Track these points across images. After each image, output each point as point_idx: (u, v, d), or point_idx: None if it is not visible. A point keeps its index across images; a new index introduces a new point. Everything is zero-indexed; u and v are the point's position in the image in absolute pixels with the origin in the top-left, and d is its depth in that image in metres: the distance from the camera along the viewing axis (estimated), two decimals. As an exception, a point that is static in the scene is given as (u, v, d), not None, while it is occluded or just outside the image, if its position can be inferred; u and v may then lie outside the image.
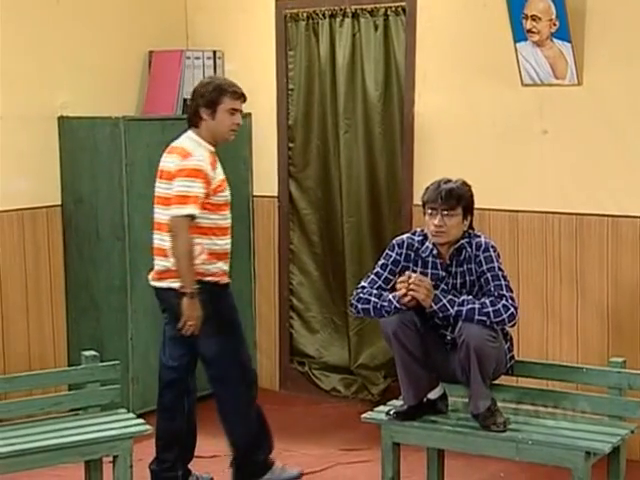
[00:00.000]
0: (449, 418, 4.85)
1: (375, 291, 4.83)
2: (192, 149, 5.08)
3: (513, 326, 4.81)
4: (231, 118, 5.15)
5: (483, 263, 4.76)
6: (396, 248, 4.91)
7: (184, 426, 5.28)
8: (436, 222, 4.72)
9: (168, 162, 5.14)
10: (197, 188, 4.97)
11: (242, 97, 5.21)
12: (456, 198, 4.73)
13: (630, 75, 5.51)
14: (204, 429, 6.26)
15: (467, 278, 4.80)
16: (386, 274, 4.87)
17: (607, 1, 5.52)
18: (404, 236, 4.97)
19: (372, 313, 4.82)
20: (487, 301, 4.68)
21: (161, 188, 5.15)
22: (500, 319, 4.66)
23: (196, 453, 5.79)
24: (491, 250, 4.79)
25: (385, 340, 4.86)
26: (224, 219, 5.17)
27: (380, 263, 4.93)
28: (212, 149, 5.13)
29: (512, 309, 4.69)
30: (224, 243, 5.18)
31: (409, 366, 4.79)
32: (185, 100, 6.62)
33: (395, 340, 4.73)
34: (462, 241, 4.80)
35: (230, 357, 5.21)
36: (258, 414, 5.34)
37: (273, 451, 5.39)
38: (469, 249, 4.80)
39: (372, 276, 4.90)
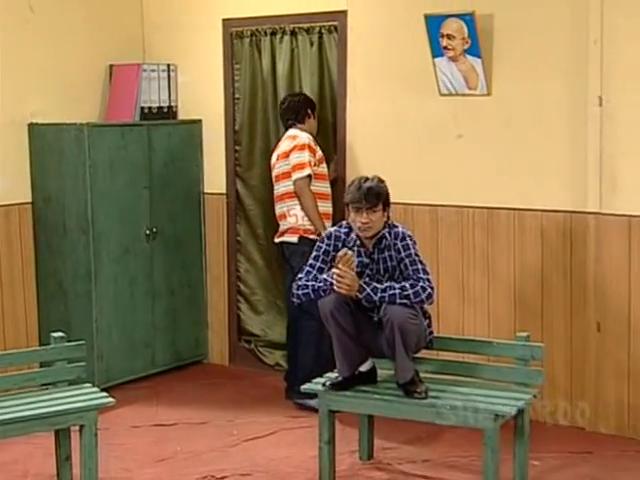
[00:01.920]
0: (378, 388, 4.89)
1: (311, 277, 4.85)
2: (298, 134, 5.98)
3: (431, 304, 4.84)
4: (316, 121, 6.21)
5: (401, 250, 4.80)
6: (325, 240, 4.94)
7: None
8: (363, 220, 4.75)
9: (282, 146, 6.05)
10: (307, 156, 5.86)
11: None
12: (376, 196, 4.76)
13: (531, 87, 5.56)
14: (165, 399, 6.32)
15: (388, 264, 4.83)
16: (319, 264, 4.89)
17: (511, 23, 5.57)
18: (332, 229, 5.00)
19: (312, 295, 4.82)
20: (407, 284, 4.71)
21: (281, 167, 6.01)
22: (419, 299, 4.70)
23: (157, 422, 5.86)
24: (407, 239, 4.83)
25: (323, 319, 4.87)
26: (325, 187, 6.01)
27: (313, 255, 4.94)
28: (312, 137, 6.02)
29: (429, 289, 4.73)
30: (325, 206, 6.00)
31: (344, 342, 4.82)
32: (142, 108, 6.63)
33: (332, 319, 4.76)
34: (383, 231, 4.84)
35: None
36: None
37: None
38: (388, 238, 4.83)
39: (307, 268, 4.91)
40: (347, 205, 4.84)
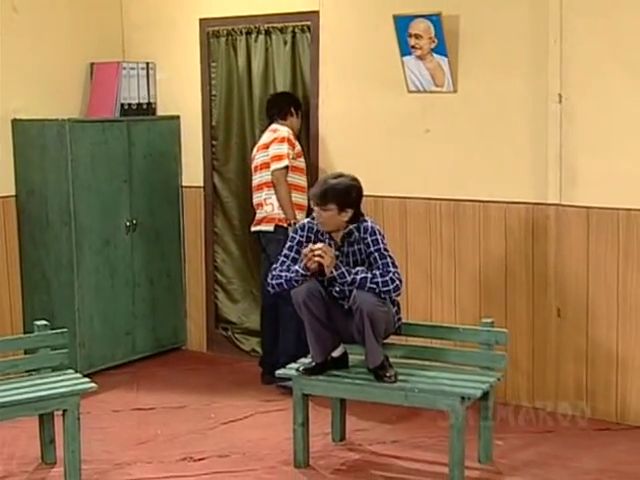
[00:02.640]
0: (349, 372, 4.91)
1: (285, 268, 4.86)
2: (279, 128, 6.02)
3: (398, 295, 4.86)
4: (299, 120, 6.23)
5: (371, 245, 4.80)
6: (299, 231, 4.94)
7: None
8: (315, 215, 4.82)
9: (263, 138, 6.10)
10: (286, 149, 5.88)
11: None
12: (330, 198, 4.74)
13: (495, 84, 5.60)
14: (145, 384, 6.33)
15: (358, 257, 4.83)
16: (292, 254, 4.89)
17: (476, 24, 5.60)
18: (305, 221, 5.00)
19: (285, 286, 4.84)
20: (377, 273, 4.73)
21: (260, 158, 6.03)
22: (387, 289, 4.71)
23: (138, 406, 5.86)
24: (377, 233, 4.83)
25: (296, 308, 4.88)
26: (301, 180, 6.03)
27: (287, 245, 4.95)
28: (292, 132, 6.05)
29: (397, 282, 4.74)
30: (301, 198, 5.98)
31: (316, 329, 4.84)
32: (122, 104, 6.61)
33: (305, 308, 4.78)
34: (351, 226, 4.83)
35: None
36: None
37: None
38: (357, 233, 4.83)
39: (281, 258, 4.92)
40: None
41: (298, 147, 6.05)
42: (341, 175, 4.88)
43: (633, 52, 5.17)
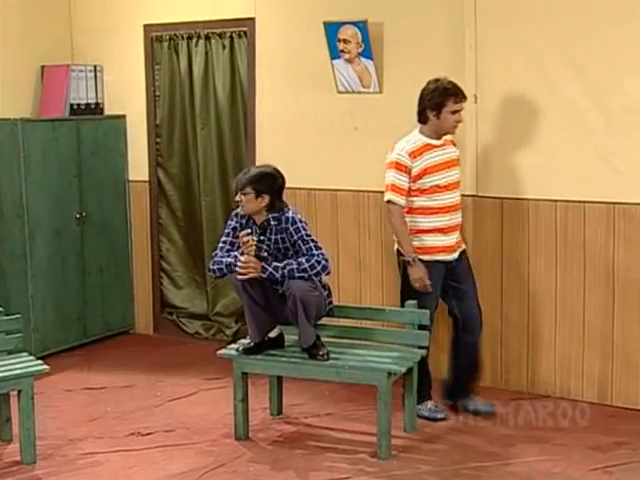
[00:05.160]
0: (285, 352, 4.92)
1: (225, 253, 4.83)
2: (400, 144, 4.98)
3: (328, 274, 4.85)
4: (453, 117, 4.95)
5: (293, 234, 4.77)
6: (234, 218, 4.91)
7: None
8: (237, 199, 4.81)
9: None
10: (392, 177, 4.92)
11: (463, 99, 4.99)
12: (247, 182, 4.73)
13: (417, 86, 5.43)
14: (95, 366, 6.27)
15: (280, 245, 4.80)
16: (230, 239, 4.87)
17: (399, 31, 5.63)
18: (239, 209, 4.94)
19: (225, 271, 4.81)
20: (303, 259, 4.72)
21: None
22: (316, 271, 4.71)
23: (88, 385, 5.82)
24: (298, 222, 4.79)
25: (236, 292, 4.90)
26: (432, 201, 4.97)
27: (225, 232, 4.92)
28: (427, 141, 4.96)
29: (323, 262, 4.72)
30: (430, 221, 5.00)
31: (254, 312, 4.84)
32: (72, 105, 6.54)
33: (244, 291, 4.77)
34: (270, 215, 4.80)
35: None
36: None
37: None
38: (277, 222, 4.79)
39: (220, 244, 4.90)
40: None
41: (424, 163, 4.93)
42: (264, 165, 4.87)
43: (539, 57, 5.25)
